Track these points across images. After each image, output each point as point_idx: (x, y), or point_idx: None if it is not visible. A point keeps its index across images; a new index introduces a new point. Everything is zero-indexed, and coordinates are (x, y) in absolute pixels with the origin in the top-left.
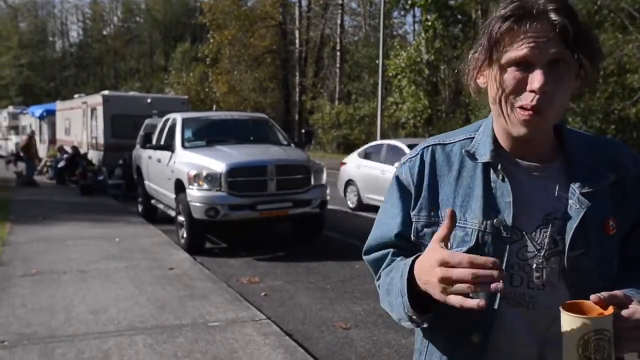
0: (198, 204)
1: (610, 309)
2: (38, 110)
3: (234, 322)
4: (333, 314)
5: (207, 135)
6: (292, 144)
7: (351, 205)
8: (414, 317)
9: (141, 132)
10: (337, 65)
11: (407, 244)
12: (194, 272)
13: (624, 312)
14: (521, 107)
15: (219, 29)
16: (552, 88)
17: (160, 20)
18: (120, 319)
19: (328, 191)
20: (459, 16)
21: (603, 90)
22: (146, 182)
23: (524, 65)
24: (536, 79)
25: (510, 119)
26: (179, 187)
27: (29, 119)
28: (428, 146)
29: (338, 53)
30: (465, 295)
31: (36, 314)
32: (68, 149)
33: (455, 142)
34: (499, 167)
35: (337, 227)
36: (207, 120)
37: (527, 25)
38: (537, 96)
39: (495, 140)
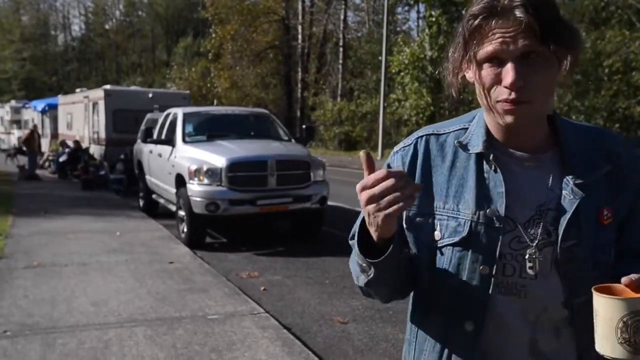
0: (198, 199)
1: None
2: (40, 104)
3: (232, 316)
4: (331, 309)
5: (207, 130)
6: (293, 140)
7: None
8: (364, 264)
9: (142, 127)
10: (340, 61)
11: None
12: (194, 266)
13: None
14: (501, 101)
15: (221, 24)
16: (528, 79)
17: (162, 14)
18: (121, 311)
19: (328, 187)
20: (464, 12)
21: (608, 88)
22: (147, 177)
23: (496, 60)
24: (507, 74)
25: (496, 110)
26: (180, 181)
27: (31, 113)
28: (422, 136)
29: (341, 49)
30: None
31: (38, 305)
32: (70, 143)
33: (450, 132)
34: (491, 157)
35: (337, 223)
36: (207, 115)
37: (494, 23)
38: (512, 91)
39: (487, 131)
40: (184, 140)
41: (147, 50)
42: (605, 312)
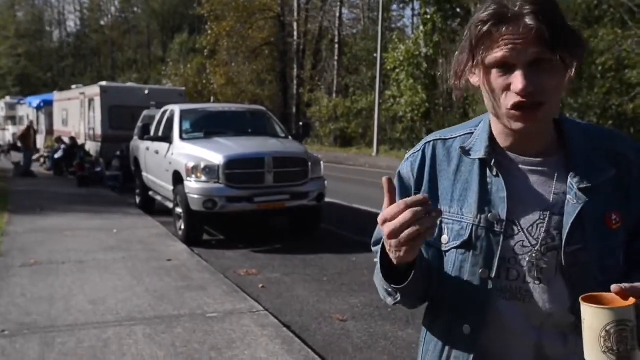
0: (196, 196)
1: (632, 300)
2: (35, 100)
3: (231, 314)
4: (330, 306)
5: (205, 127)
6: (290, 137)
7: None
8: (389, 289)
9: (139, 124)
10: (335, 58)
11: None
12: (191, 264)
13: None
14: (510, 107)
15: (217, 21)
16: (537, 85)
17: (158, 10)
18: (119, 309)
19: (326, 184)
20: (458, 10)
21: (601, 86)
22: (144, 174)
23: (505, 66)
24: (517, 80)
25: (505, 116)
26: (177, 178)
27: (27, 110)
28: (430, 141)
29: (336, 46)
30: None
31: (35, 303)
32: (66, 139)
33: (456, 137)
34: (493, 162)
35: (334, 220)
36: (205, 112)
37: (504, 29)
38: (521, 97)
39: (491, 136)
40: (181, 138)
41: (142, 47)
42: (591, 321)
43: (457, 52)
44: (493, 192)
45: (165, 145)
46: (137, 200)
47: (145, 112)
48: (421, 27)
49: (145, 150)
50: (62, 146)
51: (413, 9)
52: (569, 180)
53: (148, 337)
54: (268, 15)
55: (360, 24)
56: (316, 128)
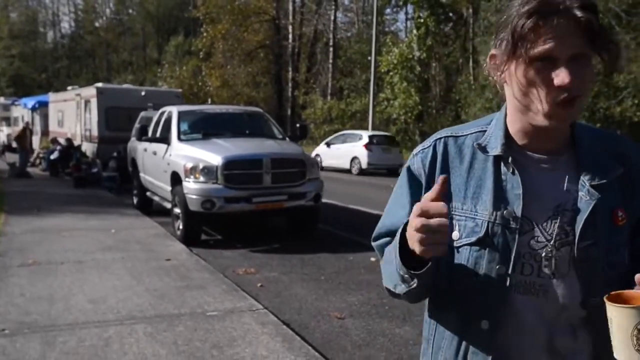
0: (194, 197)
1: None
2: (30, 101)
3: (232, 312)
4: (328, 304)
5: (203, 128)
6: (287, 138)
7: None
8: (406, 275)
9: (137, 125)
10: (330, 60)
11: None
12: (190, 263)
13: None
14: (549, 102)
15: (212, 23)
16: (577, 82)
17: (153, 13)
18: (120, 309)
19: (323, 185)
20: (451, 14)
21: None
22: (141, 175)
23: (549, 60)
24: (562, 74)
25: (538, 112)
26: (175, 179)
27: (21, 111)
28: (441, 138)
29: (331, 49)
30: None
31: (35, 303)
32: (62, 140)
33: (468, 134)
34: (510, 160)
35: (331, 220)
36: (203, 114)
37: (554, 21)
38: (564, 91)
39: (507, 133)
40: (179, 139)
41: (138, 49)
42: (619, 320)
43: (493, 48)
44: (508, 189)
45: (163, 146)
46: (135, 200)
47: (142, 114)
48: (414, 31)
49: (143, 151)
50: (58, 147)
51: (406, 13)
52: (580, 177)
53: (149, 335)
54: (263, 19)
55: (354, 27)
56: (311, 130)
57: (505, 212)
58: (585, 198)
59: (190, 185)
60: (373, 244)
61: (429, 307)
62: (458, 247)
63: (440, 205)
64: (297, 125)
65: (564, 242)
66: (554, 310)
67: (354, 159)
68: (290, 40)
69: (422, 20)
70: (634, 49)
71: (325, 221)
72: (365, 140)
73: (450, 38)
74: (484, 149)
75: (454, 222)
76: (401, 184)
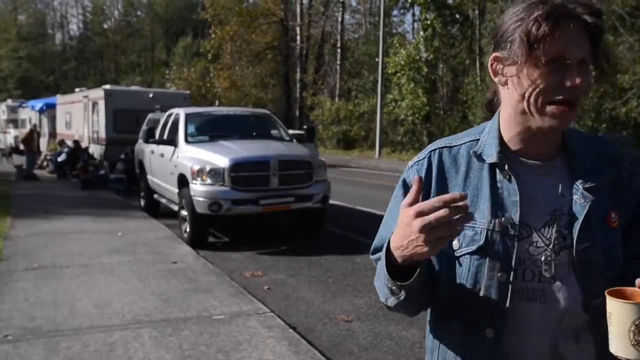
0: (201, 199)
1: None
2: (38, 103)
3: (238, 315)
4: (335, 307)
5: (210, 130)
6: (294, 140)
7: None
8: (394, 287)
9: (144, 127)
10: (338, 62)
11: None
12: (197, 266)
13: None
14: (556, 103)
15: (220, 25)
16: (584, 85)
17: (161, 14)
18: (125, 313)
19: (330, 186)
20: (457, 15)
21: (595, 91)
22: (149, 177)
23: (560, 63)
24: (575, 75)
25: (543, 114)
26: (182, 181)
27: (29, 113)
28: (435, 149)
29: (339, 50)
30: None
31: (39, 307)
32: (69, 142)
33: (462, 144)
34: (506, 167)
35: (338, 221)
36: (210, 116)
37: (569, 25)
38: (573, 92)
39: (501, 141)
40: (186, 141)
41: (146, 50)
42: (619, 315)
43: (497, 51)
44: (504, 196)
45: (170, 148)
46: (142, 203)
47: (150, 116)
48: (421, 32)
49: (150, 153)
50: (65, 149)
51: (413, 15)
52: (574, 181)
53: (155, 340)
54: (271, 20)
55: (361, 28)
56: (319, 131)
57: (503, 219)
58: (580, 201)
59: (197, 188)
60: (371, 257)
61: (431, 318)
62: (459, 257)
63: (433, 201)
64: (305, 127)
65: (562, 246)
66: (556, 315)
67: None
68: (298, 42)
69: (428, 22)
70: (639, 50)
71: (333, 223)
72: None
73: (457, 39)
74: (479, 157)
75: None
76: (396, 196)
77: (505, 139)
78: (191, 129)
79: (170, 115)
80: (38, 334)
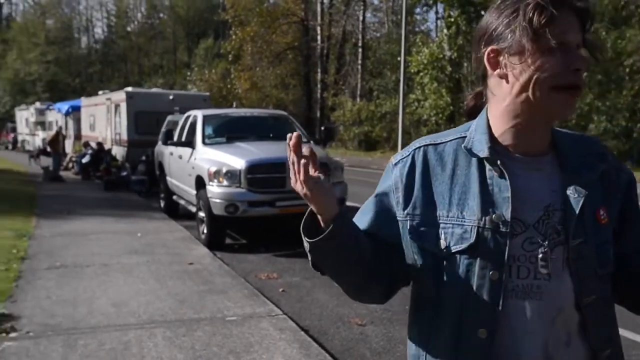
0: (218, 200)
1: None
2: (64, 106)
3: (251, 317)
4: (349, 311)
5: (227, 132)
6: (312, 141)
7: None
8: (305, 243)
9: (163, 129)
10: (359, 61)
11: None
12: (213, 268)
13: None
14: (563, 88)
15: (241, 26)
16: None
17: (183, 16)
18: (141, 312)
19: (347, 188)
20: (482, 12)
21: (630, 88)
22: (168, 178)
23: (564, 48)
24: (580, 58)
25: (549, 100)
26: (200, 183)
27: (55, 115)
28: (420, 147)
29: (360, 49)
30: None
31: (60, 305)
32: (93, 144)
33: (447, 141)
34: (498, 162)
35: None
36: (227, 117)
37: (565, 12)
38: (578, 75)
39: (491, 137)
40: (203, 142)
41: (168, 52)
42: None
43: (493, 45)
44: (495, 192)
45: (188, 150)
46: (162, 204)
47: (169, 118)
48: (445, 30)
49: (169, 155)
50: (89, 151)
51: (437, 12)
52: (566, 177)
53: (168, 339)
54: (292, 20)
55: (383, 27)
56: (340, 132)
57: (494, 216)
58: (574, 196)
59: (214, 189)
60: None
61: (413, 321)
62: (447, 256)
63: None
64: (322, 127)
65: (557, 241)
66: (550, 312)
67: None
68: (318, 42)
69: (452, 19)
70: None
71: None
72: None
73: None
74: (470, 152)
75: (440, 230)
76: (378, 194)
77: (496, 134)
78: (208, 130)
79: (188, 117)
80: (58, 331)
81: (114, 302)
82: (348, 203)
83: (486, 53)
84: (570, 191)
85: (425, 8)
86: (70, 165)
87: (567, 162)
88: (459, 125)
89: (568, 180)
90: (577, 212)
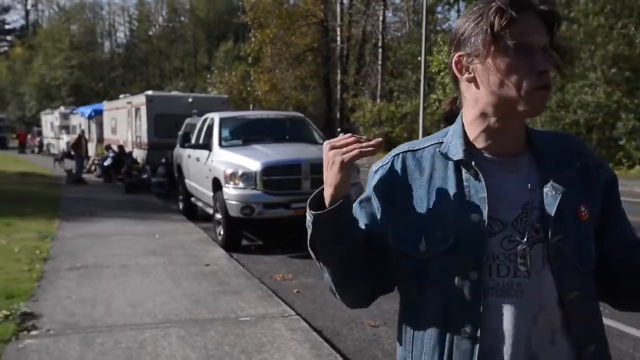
0: (234, 202)
1: None
2: (87, 110)
3: (264, 317)
4: (362, 312)
5: (243, 134)
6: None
7: None
8: (309, 216)
9: (181, 132)
10: (379, 62)
11: None
12: (229, 269)
13: None
14: (530, 87)
15: (260, 28)
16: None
17: (203, 19)
18: (157, 312)
19: (362, 190)
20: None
21: None
22: (186, 181)
23: (527, 49)
24: (544, 60)
25: (519, 99)
26: (216, 185)
27: (79, 119)
28: (398, 154)
29: (380, 50)
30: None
31: (79, 305)
32: (114, 147)
33: (425, 147)
34: (473, 164)
35: None
36: (243, 120)
37: (528, 14)
38: (544, 76)
39: (466, 140)
40: (220, 145)
41: (189, 55)
42: None
43: (460, 51)
44: (472, 194)
45: (205, 152)
46: (180, 206)
47: (187, 120)
48: None
49: (187, 157)
50: (111, 154)
51: (458, 11)
52: (543, 175)
53: (182, 339)
54: (311, 21)
55: (404, 27)
56: (360, 133)
57: (471, 216)
58: (552, 193)
59: (230, 191)
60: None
61: (400, 323)
62: (428, 259)
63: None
64: (339, 129)
65: (536, 239)
66: (531, 310)
67: None
68: (338, 43)
69: None
70: None
71: None
72: None
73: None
74: (445, 156)
75: (419, 234)
76: (361, 200)
77: (471, 138)
78: (225, 133)
79: (205, 119)
80: (76, 329)
81: (131, 302)
82: None
83: (454, 59)
84: (547, 189)
85: (446, 7)
86: (93, 168)
87: (545, 160)
88: None
89: (545, 178)
90: (554, 209)
